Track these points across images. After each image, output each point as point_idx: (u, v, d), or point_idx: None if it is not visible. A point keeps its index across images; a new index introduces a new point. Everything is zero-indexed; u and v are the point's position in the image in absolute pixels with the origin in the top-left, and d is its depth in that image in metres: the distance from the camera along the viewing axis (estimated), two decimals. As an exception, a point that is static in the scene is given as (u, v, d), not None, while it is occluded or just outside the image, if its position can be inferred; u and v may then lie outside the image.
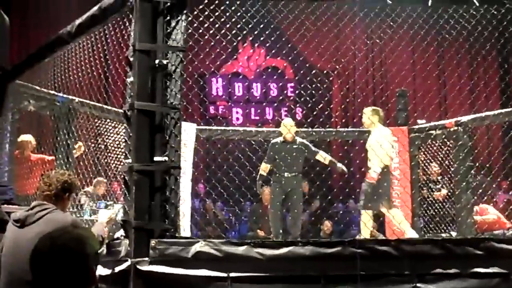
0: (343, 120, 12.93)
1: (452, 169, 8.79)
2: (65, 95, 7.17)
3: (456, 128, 8.48)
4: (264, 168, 8.39)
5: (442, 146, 9.14)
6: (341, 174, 8.47)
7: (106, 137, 7.95)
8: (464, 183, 8.09)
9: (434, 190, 9.53)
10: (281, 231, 8.44)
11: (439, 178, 9.52)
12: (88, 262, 2.14)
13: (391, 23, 7.76)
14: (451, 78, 11.62)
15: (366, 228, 7.82)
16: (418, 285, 4.65)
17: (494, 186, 8.42)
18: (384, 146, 7.48)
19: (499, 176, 9.93)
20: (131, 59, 4.75)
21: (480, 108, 10.26)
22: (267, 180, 8.59)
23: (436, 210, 9.21)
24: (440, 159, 9.28)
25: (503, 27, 7.39)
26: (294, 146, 8.32)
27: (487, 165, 8.15)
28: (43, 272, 2.07)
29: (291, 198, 8.31)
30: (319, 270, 4.55)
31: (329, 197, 8.77)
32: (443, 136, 8.91)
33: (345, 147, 11.13)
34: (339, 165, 8.47)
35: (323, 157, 8.53)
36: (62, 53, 6.43)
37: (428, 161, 9.48)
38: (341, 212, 12.02)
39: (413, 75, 11.16)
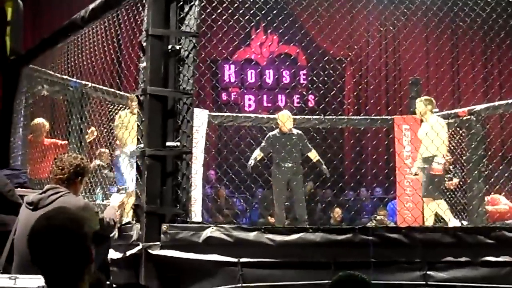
0: (356, 107, 12.90)
1: (464, 158, 8.76)
2: (78, 80, 7.20)
3: (469, 116, 8.43)
4: (257, 155, 8.59)
5: (455, 135, 9.09)
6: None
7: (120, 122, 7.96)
8: (476, 172, 8.06)
9: (446, 179, 9.49)
10: (286, 221, 8.59)
11: (451, 167, 9.47)
12: (85, 242, 2.15)
13: (405, 10, 7.72)
14: (464, 66, 11.54)
15: (430, 219, 7.83)
16: (429, 272, 4.65)
17: (506, 175, 8.34)
18: (440, 135, 7.44)
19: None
20: (144, 44, 4.75)
21: (494, 97, 10.19)
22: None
23: (447, 199, 9.17)
24: (452, 147, 9.24)
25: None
26: (292, 137, 8.50)
27: (500, 154, 8.08)
28: (40, 252, 2.10)
29: (291, 185, 8.52)
30: (330, 256, 4.57)
31: (340, 184, 8.75)
32: (456, 125, 8.87)
33: (357, 134, 11.11)
34: (324, 168, 8.60)
35: (314, 155, 8.68)
36: (76, 38, 6.44)
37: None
38: (352, 199, 12.03)
39: (426, 63, 11.10)
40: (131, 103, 7.11)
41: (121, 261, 4.71)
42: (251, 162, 8.57)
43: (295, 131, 8.58)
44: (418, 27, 9.01)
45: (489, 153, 8.17)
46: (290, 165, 8.42)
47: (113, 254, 4.78)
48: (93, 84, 7.28)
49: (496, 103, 8.63)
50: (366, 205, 12.08)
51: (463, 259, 4.75)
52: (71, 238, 2.11)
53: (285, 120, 8.50)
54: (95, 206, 5.02)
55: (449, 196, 9.18)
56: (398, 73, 12.62)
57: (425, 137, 7.47)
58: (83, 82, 7.23)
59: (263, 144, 8.57)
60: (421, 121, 8.12)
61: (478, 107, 8.44)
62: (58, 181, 4.40)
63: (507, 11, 7.19)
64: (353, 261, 4.57)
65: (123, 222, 5.06)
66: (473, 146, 8.20)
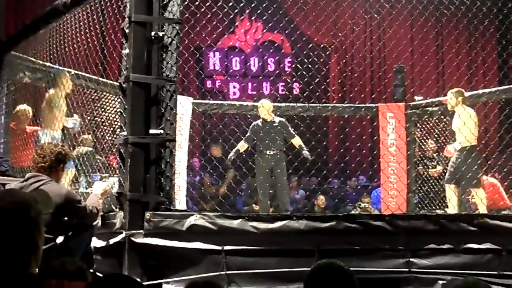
0: (340, 95, 12.89)
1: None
2: (60, 67, 7.12)
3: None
4: (241, 146, 8.60)
5: (439, 123, 9.13)
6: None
7: (102, 109, 7.91)
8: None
9: (429, 166, 9.55)
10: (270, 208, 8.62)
11: (434, 155, 9.52)
12: (31, 227, 2.03)
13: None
14: (448, 54, 11.57)
15: (450, 203, 7.88)
16: (412, 260, 4.68)
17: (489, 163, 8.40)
18: (470, 126, 7.46)
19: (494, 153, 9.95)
20: (127, 31, 4.71)
21: (477, 85, 10.23)
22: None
23: (431, 187, 9.23)
24: (436, 135, 9.29)
25: (501, 3, 7.36)
26: (274, 125, 8.52)
27: (483, 142, 8.12)
28: None
29: (275, 173, 8.54)
30: (314, 244, 4.58)
31: (324, 172, 8.77)
32: (440, 113, 8.90)
33: (341, 122, 11.12)
34: (306, 153, 8.57)
35: (297, 142, 8.69)
36: (58, 24, 6.37)
37: (424, 137, 9.48)
38: (335, 187, 12.06)
39: (410, 51, 11.10)
40: (63, 82, 6.92)
41: (105, 249, 4.69)
42: (232, 155, 8.60)
43: (277, 119, 8.59)
44: (403, 15, 9.00)
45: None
46: (273, 152, 8.45)
47: (96, 242, 4.76)
48: (75, 71, 7.20)
49: (480, 91, 8.67)
50: (350, 193, 12.11)
51: (446, 246, 4.78)
52: (15, 222, 1.99)
53: (267, 108, 8.50)
54: (78, 194, 4.98)
55: (433, 184, 9.24)
56: (382, 60, 12.63)
57: (463, 127, 7.44)
58: (66, 69, 7.15)
59: (247, 134, 8.57)
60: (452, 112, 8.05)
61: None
62: (40, 169, 4.38)
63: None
64: (337, 249, 4.59)
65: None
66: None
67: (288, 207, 8.55)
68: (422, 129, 9.35)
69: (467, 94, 8.44)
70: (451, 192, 7.90)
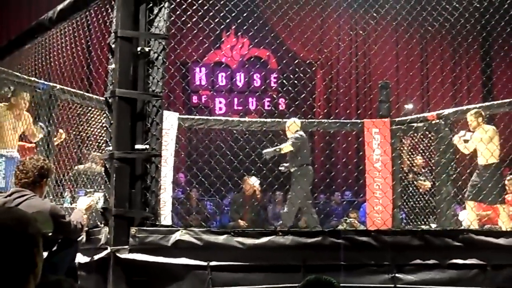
0: (326, 111, 12.94)
1: (433, 161, 8.86)
2: (46, 82, 7.10)
3: (437, 120, 8.52)
4: (287, 149, 8.57)
5: (424, 139, 9.18)
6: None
7: (87, 124, 7.89)
8: (444, 175, 8.14)
9: (417, 181, 9.55)
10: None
11: (422, 170, 9.55)
12: (30, 244, 2.02)
13: (375, 14, 7.77)
14: (433, 71, 11.68)
15: (468, 221, 7.85)
16: (397, 275, 4.68)
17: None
18: (492, 144, 7.55)
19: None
20: (113, 46, 4.71)
21: (462, 100, 10.32)
22: (249, 170, 8.62)
23: (416, 202, 9.25)
24: (421, 151, 9.33)
25: (485, 20, 7.44)
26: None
27: (467, 158, 8.18)
28: None
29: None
30: (299, 259, 4.57)
31: (311, 188, 8.78)
32: (425, 128, 8.95)
33: (327, 137, 11.15)
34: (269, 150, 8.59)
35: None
36: (43, 39, 6.36)
37: (410, 153, 9.51)
38: (321, 202, 12.06)
39: (395, 67, 11.19)
40: (14, 99, 6.85)
41: (89, 265, 4.66)
42: (270, 151, 8.52)
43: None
44: (388, 31, 9.08)
45: (457, 156, 8.26)
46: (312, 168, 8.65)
47: (81, 258, 4.73)
48: (61, 86, 7.18)
49: (464, 107, 8.74)
50: (335, 208, 12.11)
51: (431, 261, 4.79)
52: (13, 239, 1.97)
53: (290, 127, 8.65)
54: (63, 210, 4.95)
55: (419, 199, 9.26)
56: (368, 76, 12.71)
57: (483, 146, 7.51)
58: (51, 84, 7.13)
59: (298, 141, 8.53)
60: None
61: (446, 111, 8.53)
62: (24, 184, 4.36)
63: (475, 16, 7.29)
64: (323, 264, 4.58)
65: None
66: (441, 149, 8.28)
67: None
68: (410, 145, 9.37)
69: (451, 110, 8.52)
70: (470, 209, 7.92)
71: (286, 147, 8.57)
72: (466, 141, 7.96)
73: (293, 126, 8.65)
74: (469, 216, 7.87)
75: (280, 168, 8.50)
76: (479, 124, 7.83)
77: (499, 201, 7.77)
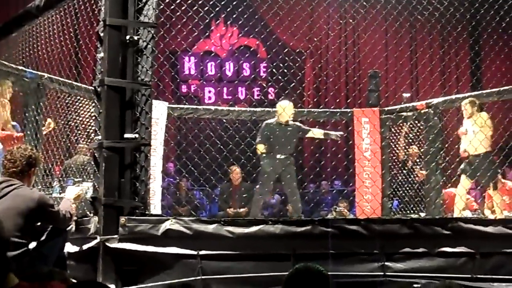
0: (315, 100, 12.94)
1: (422, 150, 8.88)
2: (34, 71, 7.05)
3: (426, 109, 8.53)
4: (262, 148, 8.28)
5: (413, 127, 9.20)
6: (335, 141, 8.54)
7: (76, 114, 7.84)
8: (433, 164, 8.17)
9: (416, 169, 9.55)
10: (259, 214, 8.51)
11: (417, 160, 9.53)
12: (5, 247, 2.04)
13: (364, 3, 7.76)
14: (422, 60, 11.67)
15: (460, 201, 7.91)
16: (387, 263, 4.70)
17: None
18: (486, 132, 7.56)
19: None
20: (102, 34, 4.68)
21: (451, 90, 10.34)
22: (238, 159, 8.58)
23: (406, 191, 9.27)
24: (411, 140, 9.35)
25: (474, 9, 7.45)
26: (289, 128, 8.27)
27: (456, 147, 8.20)
28: None
29: (284, 178, 8.31)
30: (289, 248, 4.58)
31: (300, 177, 8.80)
32: (414, 118, 8.96)
33: (316, 126, 11.14)
34: (333, 133, 8.50)
35: (315, 133, 8.57)
36: (31, 27, 6.31)
37: (407, 141, 9.50)
38: (311, 192, 12.07)
39: (385, 56, 11.18)
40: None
41: (78, 254, 4.65)
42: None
43: (291, 122, 8.38)
44: (377, 20, 9.08)
45: (446, 145, 8.28)
46: (284, 157, 8.20)
47: (70, 248, 4.71)
48: (49, 75, 7.13)
49: (453, 97, 8.75)
50: (325, 197, 12.13)
51: (420, 250, 4.82)
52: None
53: (287, 109, 8.23)
54: (52, 199, 4.93)
55: (408, 188, 9.28)
56: (357, 65, 12.69)
57: (479, 133, 7.51)
58: (39, 73, 7.08)
59: (263, 132, 8.26)
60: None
61: (435, 100, 8.55)
62: (12, 174, 4.34)
63: (464, 5, 7.29)
64: (312, 253, 4.59)
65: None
66: (430, 138, 8.30)
67: (300, 213, 8.36)
68: (399, 133, 9.38)
69: (440, 99, 8.53)
70: (466, 184, 7.93)
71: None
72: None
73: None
74: (459, 190, 7.91)
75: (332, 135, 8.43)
76: (474, 113, 7.85)
77: (493, 187, 7.81)
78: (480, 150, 7.55)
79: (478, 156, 7.66)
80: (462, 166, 7.91)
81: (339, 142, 8.61)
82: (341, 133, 8.48)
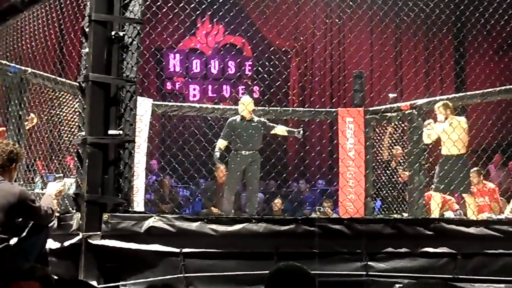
0: (300, 99, 12.96)
1: (406, 151, 8.92)
2: (17, 65, 6.99)
3: (411, 110, 8.57)
4: (221, 144, 8.30)
5: (397, 128, 9.24)
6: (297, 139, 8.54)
7: (60, 109, 7.78)
8: (417, 165, 8.20)
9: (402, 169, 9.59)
10: (232, 210, 8.47)
11: (400, 160, 9.58)
12: None
13: (351, 3, 7.77)
14: (407, 61, 11.73)
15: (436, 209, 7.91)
16: (369, 263, 4.72)
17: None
18: (460, 135, 7.58)
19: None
20: (87, 29, 4.65)
21: (435, 91, 10.39)
22: (224, 157, 8.57)
23: (389, 191, 9.31)
24: (395, 141, 9.38)
25: (460, 11, 7.48)
26: (252, 124, 8.27)
27: (440, 148, 8.24)
28: None
29: (246, 176, 8.29)
30: (272, 247, 4.58)
31: (284, 175, 8.79)
32: (398, 118, 9.00)
33: (301, 126, 11.14)
34: (296, 130, 8.49)
35: (280, 130, 8.53)
36: (15, 22, 6.25)
37: (392, 142, 9.54)
38: (294, 191, 12.10)
39: (370, 56, 11.22)
40: None
41: (60, 251, 4.62)
42: (217, 153, 8.26)
43: (256, 118, 8.38)
44: (363, 20, 9.10)
45: (430, 146, 8.32)
46: (248, 153, 8.20)
47: (52, 244, 4.68)
48: (33, 70, 7.08)
49: (437, 98, 8.79)
50: (308, 196, 12.15)
51: (403, 250, 4.84)
52: None
53: (247, 104, 8.23)
54: (33, 195, 4.89)
55: (391, 188, 9.32)
56: (342, 65, 12.74)
57: (453, 135, 7.53)
58: (23, 67, 7.02)
59: (225, 129, 8.29)
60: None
61: (419, 101, 8.58)
62: (-8, 169, 4.30)
63: (449, 7, 7.32)
64: (295, 252, 4.60)
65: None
66: (414, 139, 8.34)
67: (253, 211, 8.36)
68: (384, 134, 9.41)
69: (424, 100, 8.57)
70: (437, 199, 7.98)
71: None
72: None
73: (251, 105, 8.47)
74: (432, 206, 7.93)
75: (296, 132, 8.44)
76: (448, 116, 7.90)
77: (463, 190, 7.85)
78: (453, 152, 7.62)
79: (451, 157, 7.71)
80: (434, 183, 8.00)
81: (301, 139, 8.63)
82: (301, 129, 8.50)
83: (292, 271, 2.53)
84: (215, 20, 13.75)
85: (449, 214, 8.63)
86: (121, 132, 4.59)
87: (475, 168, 8.81)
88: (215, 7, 6.45)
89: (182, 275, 4.42)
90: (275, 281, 2.49)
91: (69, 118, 7.61)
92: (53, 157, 7.30)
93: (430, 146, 8.25)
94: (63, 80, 7.49)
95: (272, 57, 8.35)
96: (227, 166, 8.36)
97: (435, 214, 7.81)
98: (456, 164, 7.58)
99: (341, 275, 4.62)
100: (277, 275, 2.52)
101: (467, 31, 8.24)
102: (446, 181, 7.73)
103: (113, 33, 4.66)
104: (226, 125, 8.35)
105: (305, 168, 9.27)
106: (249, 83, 14.31)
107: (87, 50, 4.64)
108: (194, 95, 14.73)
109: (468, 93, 8.67)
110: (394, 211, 8.99)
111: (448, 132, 7.50)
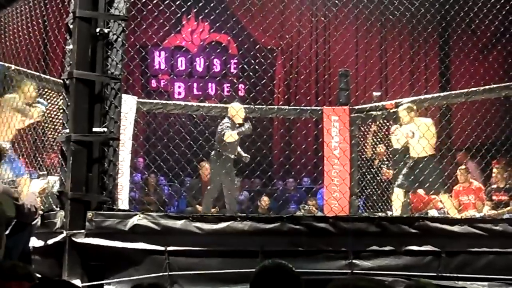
0: (286, 97, 12.95)
1: (391, 149, 8.95)
2: (0, 62, 6.93)
3: (396, 109, 8.59)
4: (234, 135, 8.43)
5: (382, 127, 9.27)
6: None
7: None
8: (401, 164, 8.23)
9: (386, 167, 9.63)
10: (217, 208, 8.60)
11: (384, 158, 9.62)
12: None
13: (336, 1, 7.78)
14: (392, 59, 11.76)
15: (395, 206, 8.05)
16: (354, 261, 4.72)
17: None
18: (428, 137, 7.61)
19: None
20: (71, 26, 4.63)
21: (420, 90, 10.43)
22: (207, 155, 8.57)
23: (373, 190, 9.34)
24: (379, 139, 9.41)
25: (445, 10, 7.52)
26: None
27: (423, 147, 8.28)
28: None
29: (227, 179, 8.51)
30: (257, 245, 4.57)
31: (269, 174, 8.81)
32: (383, 117, 9.03)
33: (286, 124, 11.16)
34: (244, 155, 8.73)
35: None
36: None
37: (376, 140, 9.57)
38: (280, 188, 12.10)
39: (356, 55, 11.24)
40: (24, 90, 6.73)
41: (44, 249, 4.59)
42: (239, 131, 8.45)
43: (246, 124, 8.59)
44: (349, 19, 9.11)
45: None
46: (233, 157, 8.49)
47: (35, 242, 4.65)
48: (16, 67, 7.02)
49: (422, 97, 8.83)
50: (293, 195, 12.16)
51: (387, 248, 4.85)
52: None
53: (238, 110, 8.50)
54: (16, 192, 4.85)
55: (375, 186, 9.35)
56: (328, 64, 12.75)
57: (421, 138, 7.60)
58: (6, 64, 6.96)
59: (229, 125, 8.46)
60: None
61: (404, 100, 8.60)
62: (-23, 166, 4.26)
63: (435, 6, 7.35)
64: (280, 250, 4.60)
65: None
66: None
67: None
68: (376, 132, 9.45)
69: (409, 99, 8.59)
70: (401, 196, 8.04)
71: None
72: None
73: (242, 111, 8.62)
74: (395, 203, 8.05)
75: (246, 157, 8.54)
76: (412, 119, 7.98)
77: (444, 190, 7.96)
78: (422, 154, 7.68)
79: (421, 160, 7.78)
80: (399, 180, 8.10)
81: (287, 138, 8.76)
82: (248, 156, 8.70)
83: (278, 269, 2.52)
84: (200, 17, 13.70)
85: (433, 213, 8.67)
86: (105, 129, 4.57)
87: (463, 166, 8.88)
88: (200, 4, 6.45)
89: (166, 273, 4.40)
90: (261, 279, 2.48)
91: (53, 115, 7.55)
92: (37, 155, 7.25)
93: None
94: (47, 77, 7.43)
95: (258, 55, 8.33)
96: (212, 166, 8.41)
97: (398, 211, 7.95)
98: (426, 166, 7.64)
99: (326, 273, 4.62)
100: (263, 272, 2.51)
101: (452, 30, 8.28)
102: (411, 180, 7.88)
103: (97, 30, 4.63)
104: (228, 124, 8.46)
105: (291, 166, 9.27)
106: (235, 81, 14.29)
107: (71, 47, 4.61)
108: (179, 93, 14.67)
109: (453, 92, 8.71)
110: (379, 210, 9.02)
111: (416, 135, 7.58)
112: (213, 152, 8.47)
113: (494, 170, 8.85)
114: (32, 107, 6.90)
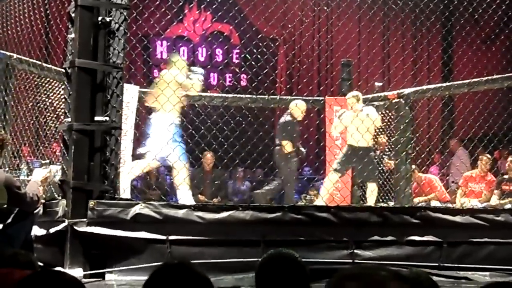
0: (288, 87, 12.93)
1: (393, 139, 8.93)
2: (2, 51, 6.92)
3: (398, 99, 8.57)
4: (290, 147, 8.64)
5: (384, 117, 9.24)
6: None
7: (46, 95, 7.71)
8: (403, 154, 8.22)
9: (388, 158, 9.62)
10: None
11: (386, 149, 9.60)
12: None
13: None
14: (395, 50, 11.72)
15: (325, 188, 8.32)
16: (356, 251, 4.73)
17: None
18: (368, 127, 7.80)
19: (437, 149, 10.16)
20: (73, 15, 4.62)
21: (423, 80, 10.40)
22: (209, 144, 8.56)
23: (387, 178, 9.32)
24: (381, 129, 9.39)
25: (448, 0, 7.49)
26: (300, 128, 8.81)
27: (426, 137, 8.27)
28: None
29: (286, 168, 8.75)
30: (259, 234, 4.58)
31: (271, 163, 8.81)
32: (385, 107, 9.00)
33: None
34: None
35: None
36: (0, 6, 6.19)
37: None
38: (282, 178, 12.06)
39: (358, 45, 11.20)
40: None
41: (46, 237, 4.60)
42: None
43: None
44: (351, 8, 9.07)
45: (417, 135, 8.35)
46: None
47: (37, 231, 4.66)
48: (18, 56, 7.01)
49: (424, 87, 8.80)
50: (295, 184, 12.14)
51: (389, 238, 4.86)
52: None
53: (302, 109, 8.66)
54: (19, 181, 4.85)
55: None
56: (330, 53, 12.69)
57: (361, 128, 7.65)
58: (8, 53, 6.95)
59: (291, 130, 8.67)
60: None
61: (407, 90, 8.58)
62: (-21, 155, 4.26)
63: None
64: (282, 239, 4.60)
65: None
66: (401, 128, 8.35)
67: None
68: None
69: (411, 89, 8.56)
70: (335, 179, 8.27)
71: None
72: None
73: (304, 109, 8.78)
74: (327, 184, 8.32)
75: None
76: (354, 107, 8.08)
77: (370, 180, 8.26)
78: (361, 144, 7.72)
79: (359, 149, 7.84)
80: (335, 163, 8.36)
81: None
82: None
83: (284, 258, 2.51)
84: (202, 7, 13.64)
85: (436, 204, 8.66)
86: (107, 118, 4.56)
87: (488, 156, 8.85)
88: (202, -7, 6.41)
89: (168, 262, 4.40)
90: (267, 268, 2.47)
91: (55, 104, 7.55)
92: (39, 144, 7.26)
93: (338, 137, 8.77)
94: (49, 66, 7.43)
95: (260, 44, 8.32)
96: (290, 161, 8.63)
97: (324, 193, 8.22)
98: (363, 157, 7.94)
99: (327, 263, 4.63)
100: (268, 262, 2.50)
101: (455, 20, 8.22)
102: (345, 165, 8.28)
103: (99, 18, 4.62)
104: (289, 125, 8.66)
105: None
106: (237, 70, 14.26)
107: (73, 35, 4.60)
108: (181, 82, 14.64)
109: (455, 82, 8.69)
110: (380, 200, 9.01)
111: (356, 124, 7.62)
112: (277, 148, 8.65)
113: (509, 160, 8.80)
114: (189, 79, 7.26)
